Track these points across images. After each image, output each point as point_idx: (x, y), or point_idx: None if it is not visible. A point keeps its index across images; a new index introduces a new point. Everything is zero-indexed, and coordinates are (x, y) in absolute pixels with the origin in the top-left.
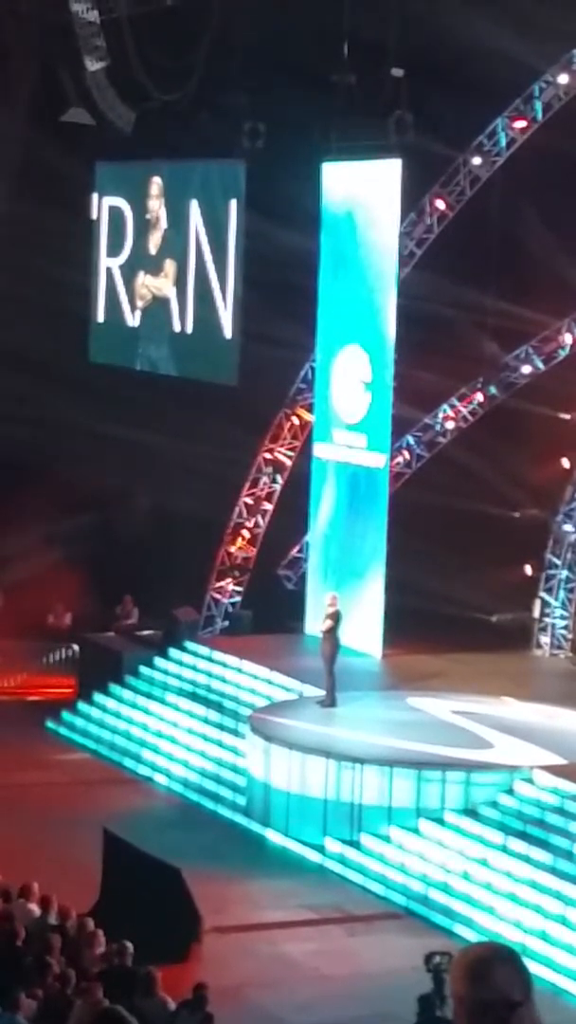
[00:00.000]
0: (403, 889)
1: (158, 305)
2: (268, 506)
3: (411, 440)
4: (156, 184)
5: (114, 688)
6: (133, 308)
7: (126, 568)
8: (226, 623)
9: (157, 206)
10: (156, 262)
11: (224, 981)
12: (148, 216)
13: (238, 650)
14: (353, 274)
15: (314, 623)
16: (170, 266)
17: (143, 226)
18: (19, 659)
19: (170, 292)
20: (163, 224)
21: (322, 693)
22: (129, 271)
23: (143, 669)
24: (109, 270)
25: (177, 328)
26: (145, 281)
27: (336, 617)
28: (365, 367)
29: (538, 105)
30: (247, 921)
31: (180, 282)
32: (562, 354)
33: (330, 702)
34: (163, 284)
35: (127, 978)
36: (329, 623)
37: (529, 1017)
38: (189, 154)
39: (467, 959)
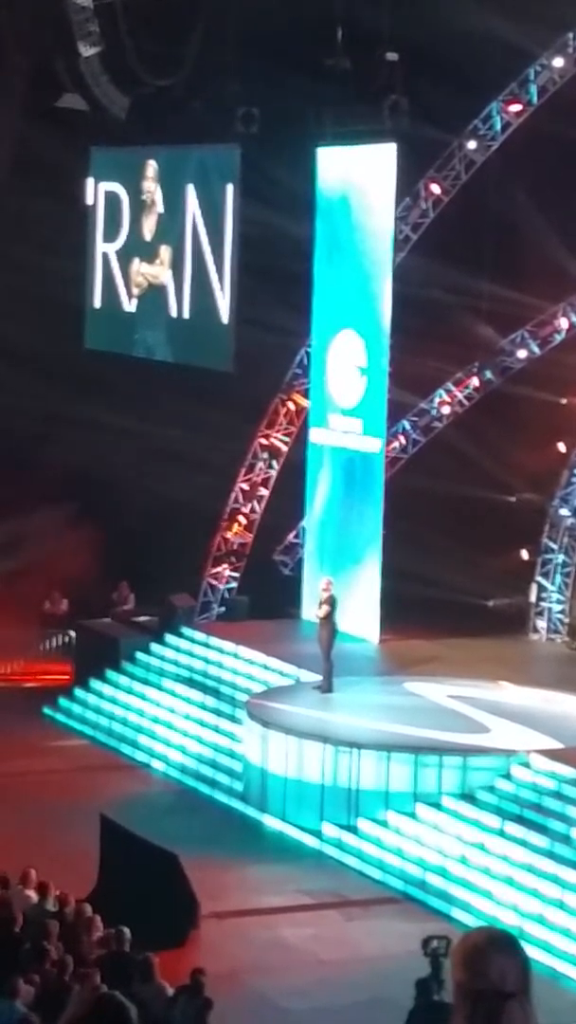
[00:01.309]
0: (400, 874)
1: (154, 292)
2: (264, 492)
3: (407, 425)
4: (152, 167)
5: (111, 674)
6: (129, 294)
7: (122, 554)
8: (222, 609)
9: (153, 188)
10: (151, 248)
11: (221, 966)
12: (144, 198)
13: (235, 636)
14: (348, 259)
15: (311, 608)
16: (165, 252)
17: (138, 211)
18: (15, 646)
19: (166, 278)
20: (159, 208)
21: (319, 678)
22: (125, 256)
23: (139, 655)
24: (105, 255)
25: (174, 314)
26: (140, 268)
27: (332, 602)
28: (360, 352)
29: (533, 89)
30: (244, 906)
31: (176, 268)
32: (558, 338)
33: (327, 687)
34: (159, 271)
35: (125, 964)
36: (326, 608)
37: (522, 1010)
38: (183, 139)
39: (465, 946)
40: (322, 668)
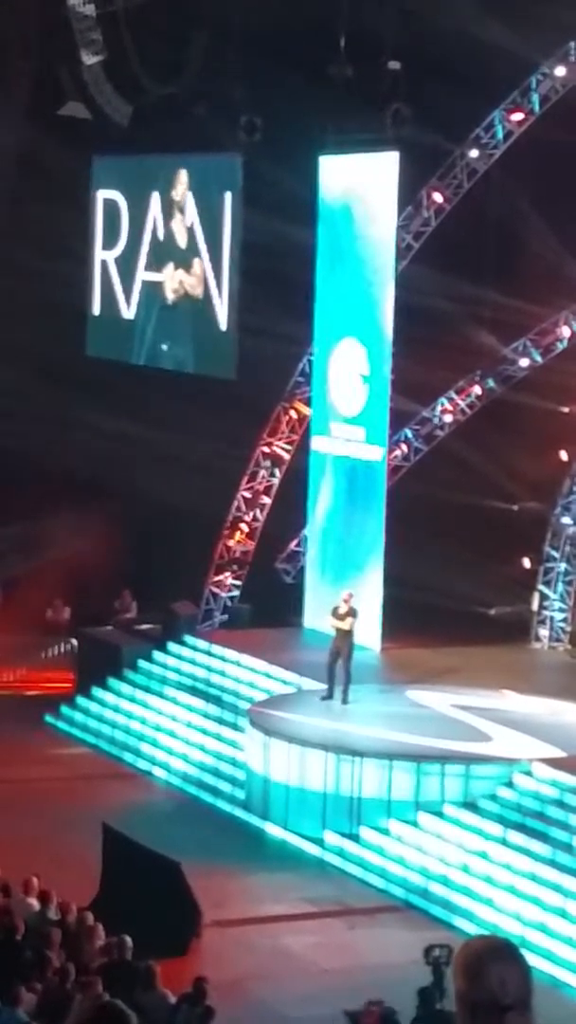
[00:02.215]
0: (402, 882)
1: (188, 302)
2: (266, 500)
3: (409, 433)
4: (183, 174)
5: (113, 682)
6: (128, 301)
7: (124, 562)
8: (225, 617)
9: (184, 195)
10: (187, 256)
11: (224, 975)
12: (178, 203)
13: (237, 644)
14: (350, 267)
15: (313, 617)
16: (197, 263)
17: (169, 218)
18: (18, 654)
19: (199, 291)
20: (188, 217)
21: (322, 687)
22: (125, 264)
23: (142, 663)
24: (105, 263)
25: (195, 324)
26: (177, 275)
27: (355, 615)
28: (363, 360)
29: (535, 97)
30: (247, 915)
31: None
32: (560, 347)
33: (344, 698)
34: (194, 282)
35: (127, 972)
36: (351, 621)
37: (522, 1021)
38: (186, 148)
39: (464, 956)
40: (337, 678)
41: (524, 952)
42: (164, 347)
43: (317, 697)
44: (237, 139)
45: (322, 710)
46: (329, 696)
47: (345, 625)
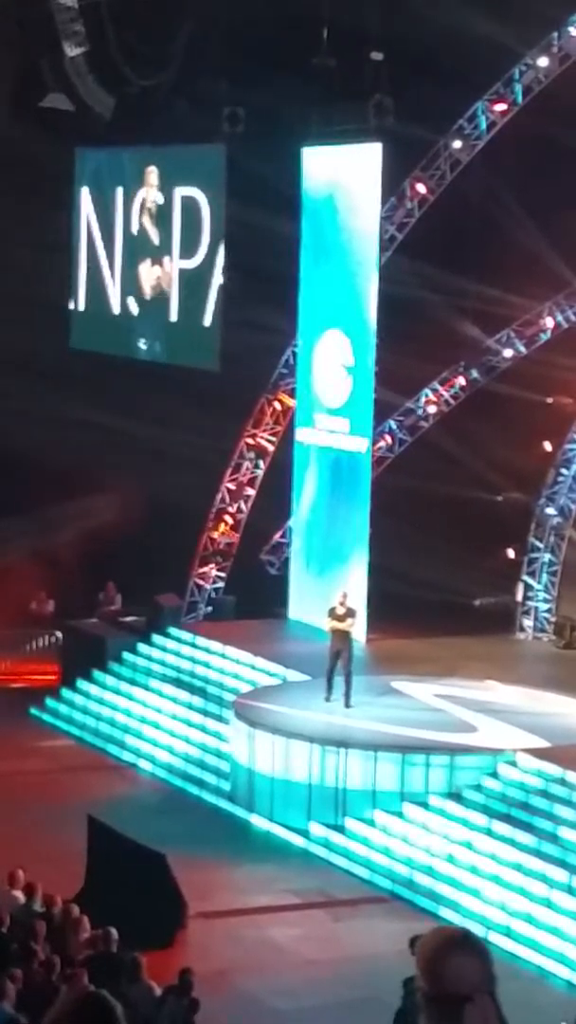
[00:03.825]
0: (388, 873)
1: (161, 295)
2: (251, 491)
3: (393, 424)
4: (154, 172)
5: (97, 674)
6: (111, 294)
7: (109, 554)
8: (209, 609)
9: (155, 195)
10: (159, 252)
11: (209, 966)
12: (148, 205)
13: (221, 636)
14: (334, 259)
15: (297, 608)
16: (180, 256)
17: (140, 214)
18: (2, 646)
19: (171, 283)
20: (171, 209)
21: (306, 678)
22: (108, 257)
23: (126, 655)
24: (90, 257)
25: (173, 317)
26: (154, 271)
27: (354, 615)
28: (347, 352)
29: (518, 88)
30: (232, 906)
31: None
32: (543, 338)
33: (347, 701)
34: (176, 275)
35: (113, 964)
36: (352, 621)
37: (482, 1012)
38: (169, 139)
39: (423, 951)
40: (337, 679)
41: (481, 940)
42: (142, 343)
43: (304, 690)
44: (220, 130)
45: (307, 702)
46: (329, 698)
47: (346, 626)
